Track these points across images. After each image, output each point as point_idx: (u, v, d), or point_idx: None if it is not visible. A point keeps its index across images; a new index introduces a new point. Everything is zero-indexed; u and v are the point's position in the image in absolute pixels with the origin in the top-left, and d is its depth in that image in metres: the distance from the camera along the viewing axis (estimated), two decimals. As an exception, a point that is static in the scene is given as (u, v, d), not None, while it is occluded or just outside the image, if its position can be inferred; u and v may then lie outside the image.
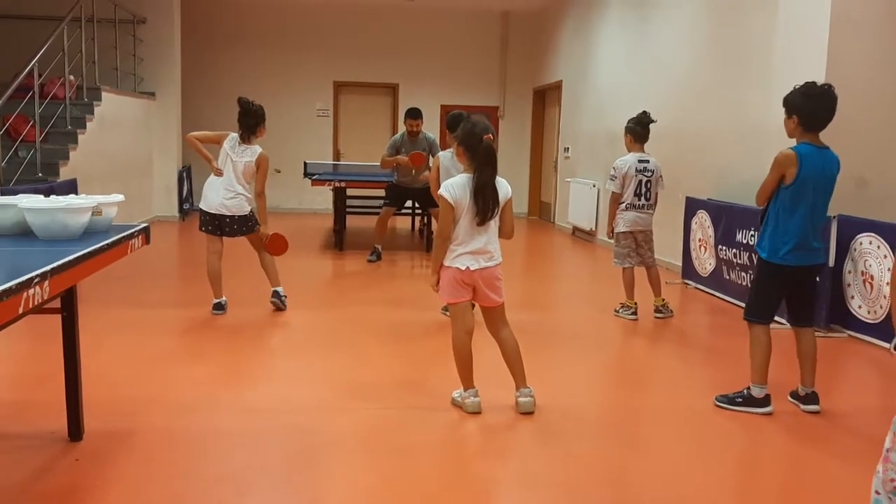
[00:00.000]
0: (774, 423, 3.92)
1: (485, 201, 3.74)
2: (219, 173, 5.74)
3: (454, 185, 3.79)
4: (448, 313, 5.81)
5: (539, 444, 3.62)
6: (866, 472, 3.37)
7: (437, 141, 8.72)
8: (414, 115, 8.40)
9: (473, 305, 4.03)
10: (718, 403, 4.10)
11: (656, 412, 4.14)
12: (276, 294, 5.94)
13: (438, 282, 3.89)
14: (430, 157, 8.48)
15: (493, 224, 3.83)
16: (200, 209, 5.83)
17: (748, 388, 4.03)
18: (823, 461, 3.56)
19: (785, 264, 3.92)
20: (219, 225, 5.79)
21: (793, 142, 3.94)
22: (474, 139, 3.75)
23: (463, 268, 3.79)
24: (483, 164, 3.74)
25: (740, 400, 4.05)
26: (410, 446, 3.52)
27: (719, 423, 3.93)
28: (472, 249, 3.79)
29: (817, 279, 4.12)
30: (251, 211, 5.84)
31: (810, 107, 3.84)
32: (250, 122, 5.71)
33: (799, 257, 3.91)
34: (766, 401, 4.00)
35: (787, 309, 4.14)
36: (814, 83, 3.89)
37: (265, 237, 5.76)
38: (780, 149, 3.94)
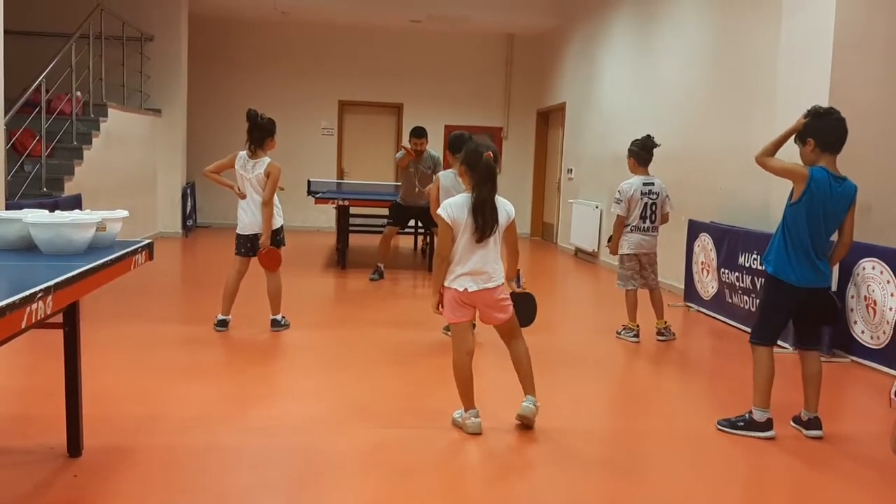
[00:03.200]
0: (777, 447, 3.89)
1: (484, 218, 3.74)
2: (242, 196, 5.77)
3: (452, 205, 3.81)
4: (450, 333, 5.81)
5: (540, 466, 3.61)
6: (871, 498, 3.35)
7: (442, 159, 8.75)
8: (419, 134, 8.44)
9: (474, 326, 4.02)
10: (720, 427, 4.07)
11: (658, 435, 4.11)
12: (274, 322, 5.93)
13: (440, 303, 3.90)
14: (434, 176, 8.52)
15: (493, 243, 3.82)
16: (237, 234, 5.84)
17: (750, 412, 4.01)
18: (827, 487, 3.53)
19: (790, 282, 3.91)
20: (252, 246, 5.79)
21: None
22: (476, 156, 3.78)
23: (461, 289, 3.79)
24: (483, 180, 3.76)
25: (742, 424, 4.02)
26: (411, 466, 3.50)
27: (721, 447, 3.90)
28: (471, 269, 3.78)
29: (825, 303, 4.10)
30: (281, 225, 5.85)
31: (823, 126, 3.86)
32: (256, 135, 5.71)
33: (804, 277, 3.90)
34: (767, 425, 3.97)
35: (794, 331, 4.13)
36: (819, 106, 3.92)
37: (263, 247, 5.73)
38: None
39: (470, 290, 3.78)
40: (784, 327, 4.04)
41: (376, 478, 3.37)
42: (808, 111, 3.92)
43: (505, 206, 3.87)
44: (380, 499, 3.18)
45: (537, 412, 3.91)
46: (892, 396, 1.70)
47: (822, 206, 3.84)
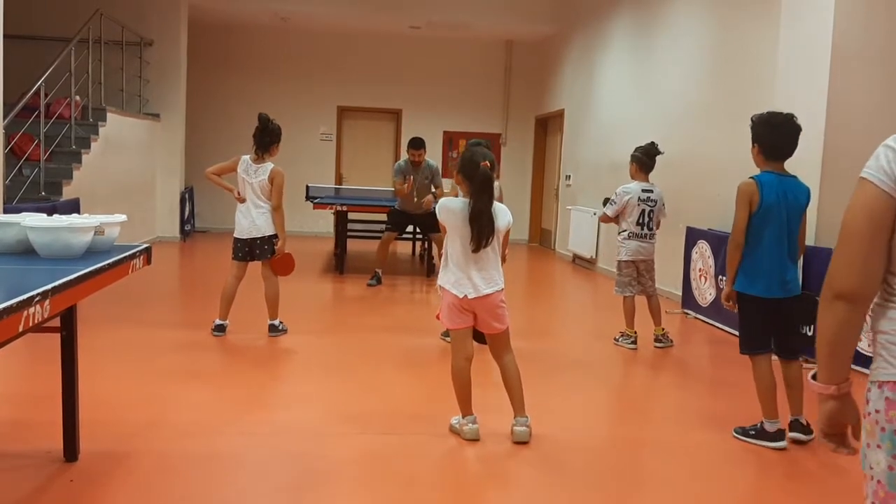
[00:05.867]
0: (773, 456, 3.88)
1: (480, 229, 3.72)
2: (241, 200, 5.76)
3: (445, 207, 3.82)
4: (448, 339, 5.81)
5: (539, 473, 3.60)
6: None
7: (440, 168, 8.75)
8: (416, 145, 8.41)
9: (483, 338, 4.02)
10: (735, 435, 4.07)
11: (655, 443, 4.11)
12: (272, 327, 5.92)
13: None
14: (433, 185, 8.52)
15: (492, 251, 3.82)
16: (234, 238, 5.83)
17: (762, 422, 3.98)
18: (818, 499, 3.53)
19: (756, 295, 3.90)
20: (249, 251, 5.79)
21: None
22: (472, 166, 3.77)
23: (461, 295, 3.78)
24: (479, 191, 3.74)
25: (753, 433, 4.00)
26: (409, 473, 3.49)
27: (719, 456, 3.90)
28: (470, 276, 3.78)
29: (794, 312, 4.07)
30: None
31: (770, 137, 3.86)
32: (265, 139, 5.71)
33: (769, 289, 3.89)
34: (778, 435, 3.92)
35: (773, 340, 4.11)
36: (777, 112, 3.90)
37: (279, 252, 5.75)
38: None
39: (470, 297, 3.78)
40: (766, 334, 3.99)
41: (374, 484, 3.36)
42: (753, 118, 3.91)
43: (505, 214, 3.86)
44: (377, 505, 3.17)
45: (531, 429, 3.88)
46: (810, 380, 1.77)
47: (778, 207, 3.83)
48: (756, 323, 3.98)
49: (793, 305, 4.00)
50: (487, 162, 3.76)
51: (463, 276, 3.78)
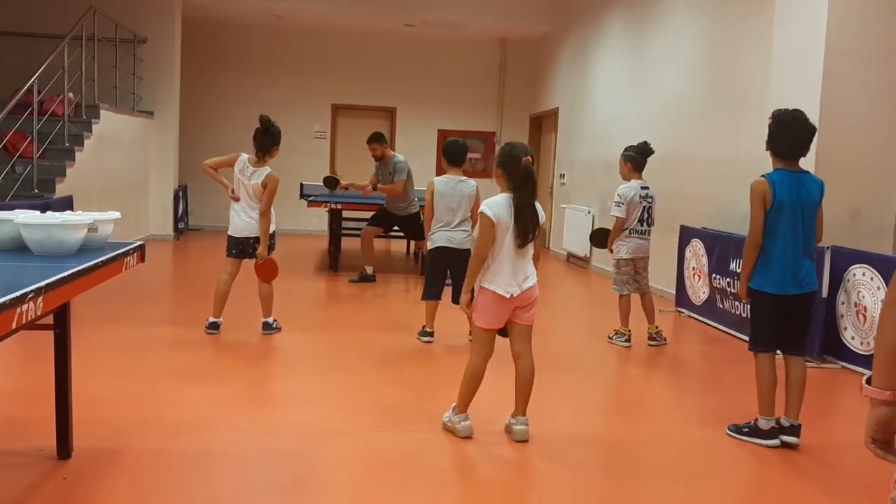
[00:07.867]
0: (769, 453, 3.89)
1: (524, 223, 3.71)
2: (235, 198, 5.75)
3: (495, 204, 3.76)
4: (424, 339, 5.84)
5: (535, 470, 3.61)
6: None
7: (403, 165, 8.58)
8: (369, 140, 8.45)
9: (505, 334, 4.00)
10: (729, 432, 4.08)
11: (650, 439, 4.12)
12: (266, 325, 5.91)
13: (471, 301, 3.84)
14: (393, 179, 8.46)
15: (530, 246, 3.80)
16: (228, 236, 5.83)
17: (756, 419, 3.99)
18: (811, 497, 3.54)
19: (770, 292, 3.90)
20: (242, 249, 5.78)
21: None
22: (513, 161, 3.75)
23: (507, 295, 3.73)
24: (521, 185, 3.73)
25: (747, 430, 4.02)
26: (404, 470, 3.49)
27: (713, 451, 3.91)
28: (513, 273, 3.74)
29: (810, 308, 4.08)
30: (273, 231, 5.84)
31: (778, 134, 3.86)
32: (266, 141, 5.70)
33: (782, 285, 3.88)
34: (772, 433, 3.94)
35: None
36: (789, 110, 3.89)
37: (260, 258, 5.72)
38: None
39: (514, 295, 3.75)
40: (775, 334, 4.00)
41: (368, 483, 3.36)
42: (772, 114, 3.91)
43: (540, 211, 3.85)
44: (374, 503, 3.17)
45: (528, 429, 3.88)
46: (864, 384, 1.74)
47: (792, 204, 3.83)
48: (768, 320, 3.97)
49: (808, 301, 3.99)
50: (529, 157, 3.75)
51: (509, 274, 3.74)
